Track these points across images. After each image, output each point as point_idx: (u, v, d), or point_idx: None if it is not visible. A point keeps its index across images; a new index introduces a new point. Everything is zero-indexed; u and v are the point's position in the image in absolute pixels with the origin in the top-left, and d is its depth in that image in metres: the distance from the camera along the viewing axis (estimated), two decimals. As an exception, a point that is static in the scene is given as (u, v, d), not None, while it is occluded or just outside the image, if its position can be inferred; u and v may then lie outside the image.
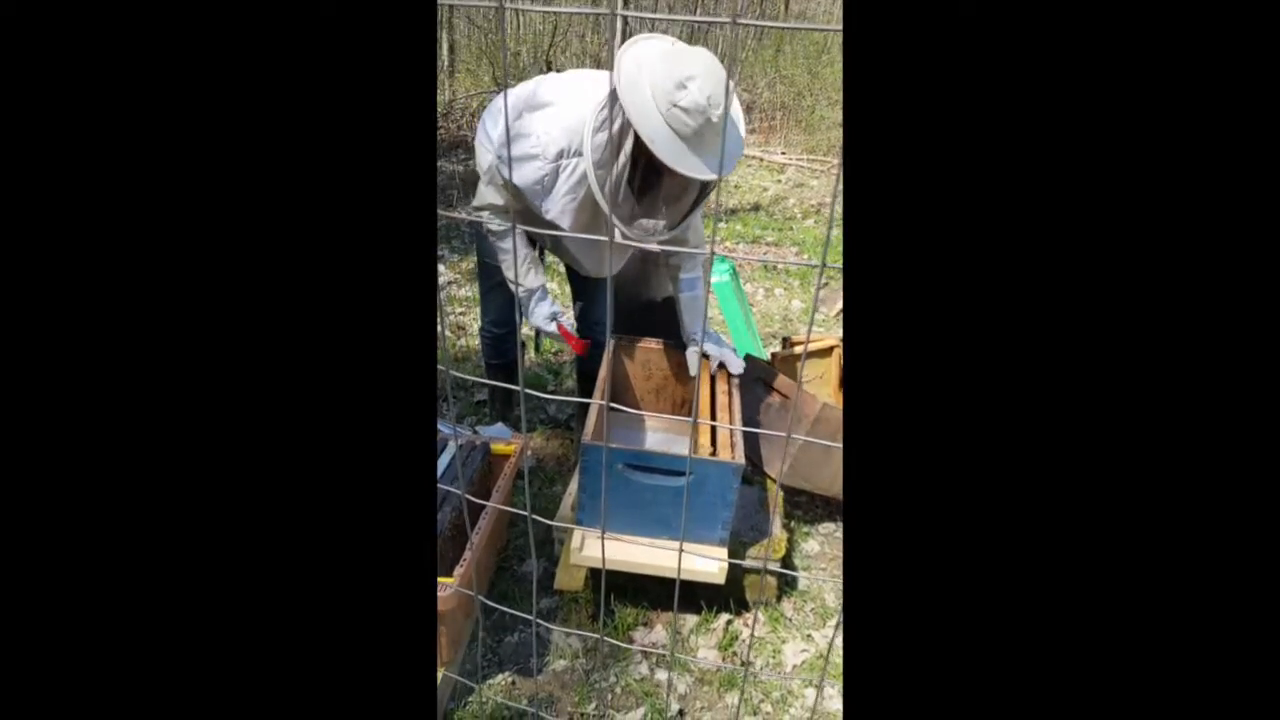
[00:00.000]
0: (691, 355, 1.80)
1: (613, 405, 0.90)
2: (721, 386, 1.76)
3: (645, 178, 1.44)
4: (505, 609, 1.04)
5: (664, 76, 1.34)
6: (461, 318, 2.89)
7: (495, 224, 1.71)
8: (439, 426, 1.70)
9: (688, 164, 1.37)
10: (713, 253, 0.62)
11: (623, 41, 1.63)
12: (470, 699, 1.47)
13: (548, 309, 1.76)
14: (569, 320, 1.87)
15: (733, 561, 1.01)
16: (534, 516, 0.77)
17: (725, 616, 1.68)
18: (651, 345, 1.94)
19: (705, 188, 1.48)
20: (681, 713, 1.47)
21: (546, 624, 1.20)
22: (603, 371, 1.82)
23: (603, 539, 0.77)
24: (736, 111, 1.51)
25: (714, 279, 2.24)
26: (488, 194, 1.67)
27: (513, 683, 1.51)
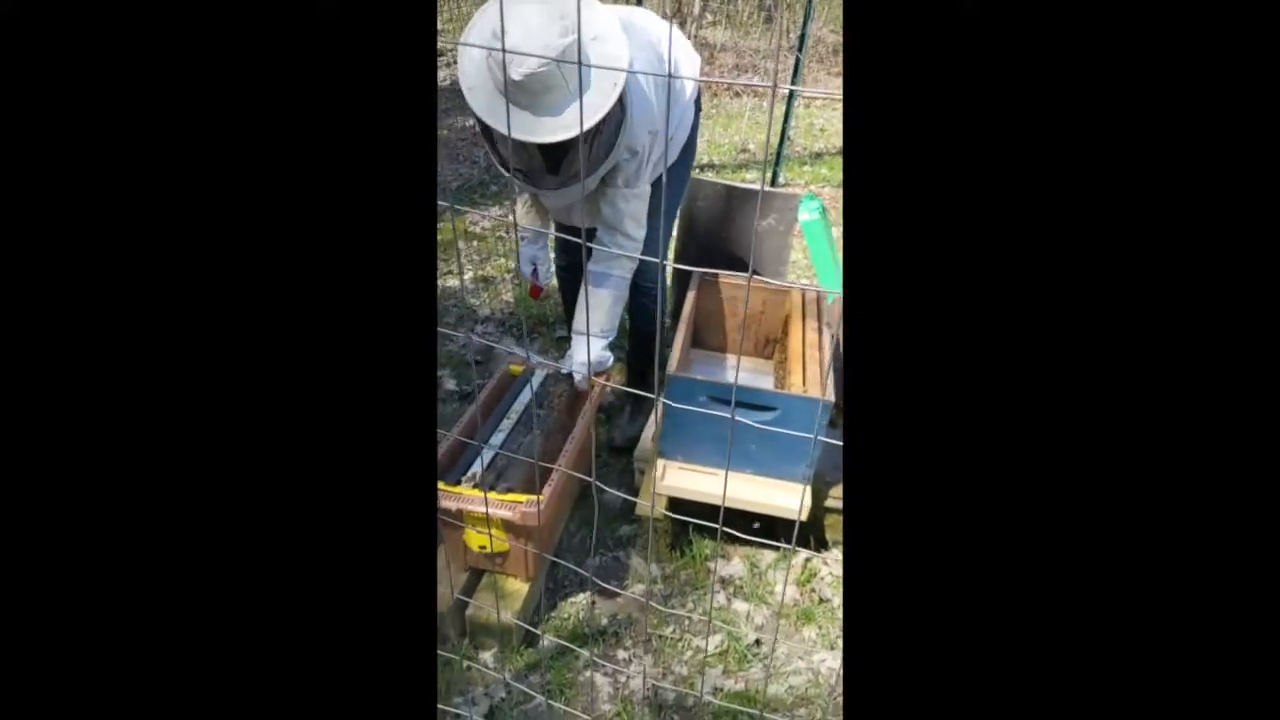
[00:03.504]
0: (577, 368, 1.59)
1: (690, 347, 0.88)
2: (812, 324, 1.73)
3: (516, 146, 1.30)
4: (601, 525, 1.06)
5: (488, 24, 1.23)
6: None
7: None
8: (528, 355, 1.73)
9: (532, 130, 1.22)
10: (808, 193, 0.59)
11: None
12: (553, 615, 1.53)
13: (529, 252, 1.73)
14: (548, 270, 1.79)
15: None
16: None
17: (804, 554, 1.68)
18: (737, 281, 1.91)
19: (598, 133, 1.29)
20: (758, 642, 1.49)
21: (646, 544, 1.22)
22: (687, 306, 1.80)
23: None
24: (610, 50, 1.27)
25: (803, 216, 2.18)
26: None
27: (593, 603, 1.56)
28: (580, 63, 1.13)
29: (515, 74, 1.17)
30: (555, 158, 1.29)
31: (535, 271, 1.74)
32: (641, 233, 1.54)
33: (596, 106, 1.25)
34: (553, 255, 1.74)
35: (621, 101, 1.32)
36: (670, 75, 0.58)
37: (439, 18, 5.54)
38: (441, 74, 5.29)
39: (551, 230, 1.75)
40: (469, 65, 1.26)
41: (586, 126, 1.25)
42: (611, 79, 1.26)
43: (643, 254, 1.91)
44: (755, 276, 1.93)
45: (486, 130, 1.30)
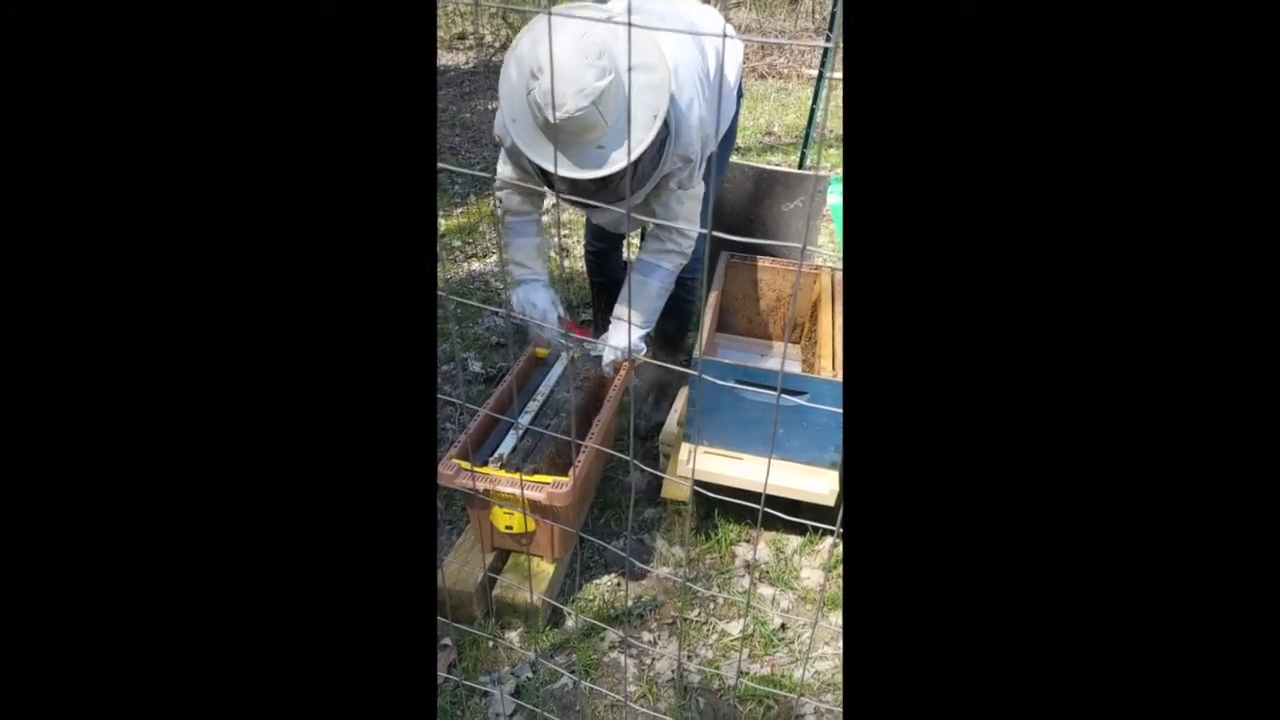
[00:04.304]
0: (607, 352, 1.59)
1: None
2: (840, 308, 1.70)
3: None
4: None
5: (526, 61, 1.21)
6: (566, 240, 2.91)
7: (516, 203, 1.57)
8: (554, 337, 1.72)
9: (571, 167, 1.23)
10: (824, 174, 0.57)
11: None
12: (577, 596, 1.53)
13: (541, 299, 1.59)
14: (564, 310, 1.68)
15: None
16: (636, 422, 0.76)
17: (830, 539, 1.66)
18: (764, 264, 1.89)
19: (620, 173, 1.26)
20: (784, 626, 1.49)
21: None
22: (714, 290, 1.79)
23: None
24: (639, 107, 1.24)
25: (832, 199, 2.15)
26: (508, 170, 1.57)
27: (618, 584, 1.56)
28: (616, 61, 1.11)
29: (552, 117, 1.16)
30: (601, 182, 1.29)
31: (562, 318, 1.63)
32: (695, 230, 1.52)
33: (638, 141, 1.23)
34: (579, 250, 1.70)
35: (665, 121, 1.30)
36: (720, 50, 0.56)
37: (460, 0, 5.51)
38: (464, 57, 5.27)
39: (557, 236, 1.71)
40: (510, 97, 1.26)
41: (628, 161, 1.22)
42: (652, 110, 1.24)
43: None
44: (786, 260, 1.90)
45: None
